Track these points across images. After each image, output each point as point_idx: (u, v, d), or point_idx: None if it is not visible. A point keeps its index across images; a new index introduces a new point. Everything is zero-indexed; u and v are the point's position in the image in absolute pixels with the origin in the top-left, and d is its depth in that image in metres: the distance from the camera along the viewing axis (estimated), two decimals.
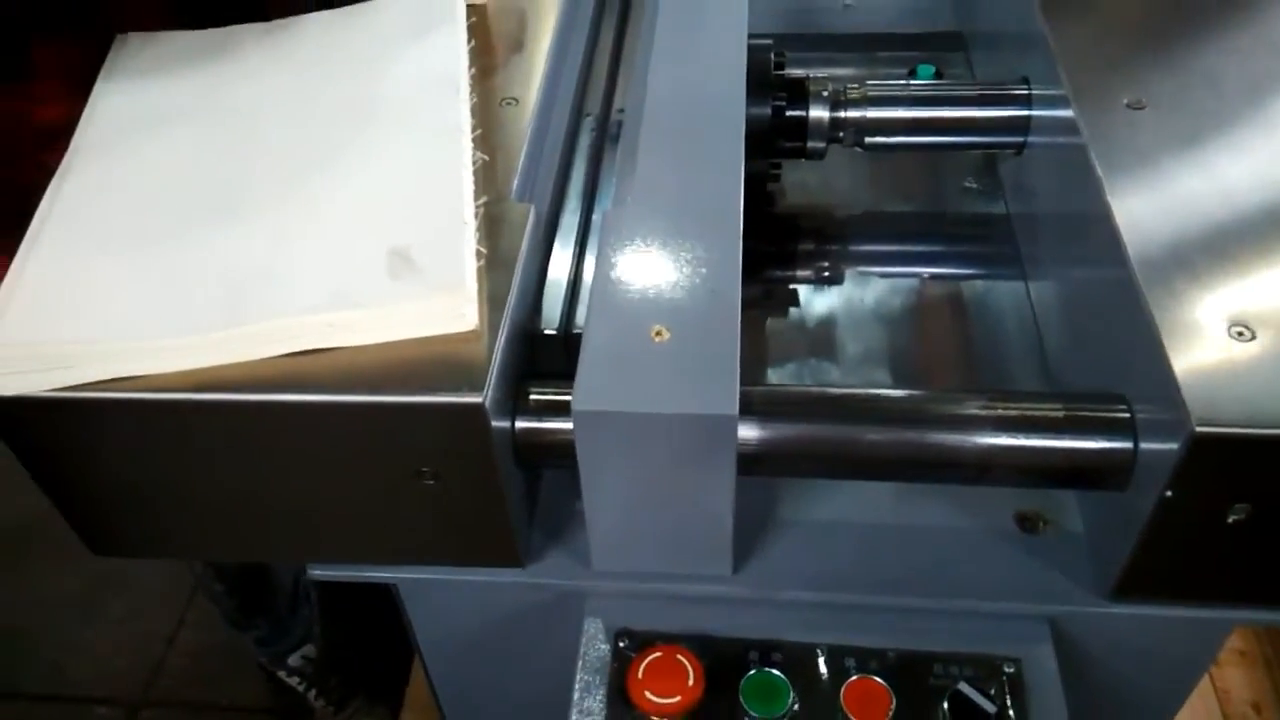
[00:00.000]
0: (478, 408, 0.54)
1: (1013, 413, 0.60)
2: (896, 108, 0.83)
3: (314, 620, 1.51)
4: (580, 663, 0.63)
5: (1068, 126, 0.70)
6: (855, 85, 0.83)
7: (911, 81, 0.92)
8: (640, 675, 0.60)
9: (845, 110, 0.82)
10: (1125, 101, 0.69)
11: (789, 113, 0.82)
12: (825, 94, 0.82)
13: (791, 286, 0.86)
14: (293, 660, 1.50)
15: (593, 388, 0.56)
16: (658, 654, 0.61)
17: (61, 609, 1.66)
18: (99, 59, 0.78)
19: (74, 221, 0.64)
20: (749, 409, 0.56)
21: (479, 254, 0.60)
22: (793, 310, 0.84)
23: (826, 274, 0.87)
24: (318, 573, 0.68)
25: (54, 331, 0.57)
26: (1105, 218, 0.62)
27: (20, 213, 0.72)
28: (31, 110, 0.80)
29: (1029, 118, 0.81)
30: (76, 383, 0.56)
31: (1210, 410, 0.52)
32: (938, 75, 0.99)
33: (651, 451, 0.57)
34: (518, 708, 0.79)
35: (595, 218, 0.77)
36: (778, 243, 0.89)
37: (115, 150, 0.69)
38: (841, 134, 0.83)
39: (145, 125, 0.71)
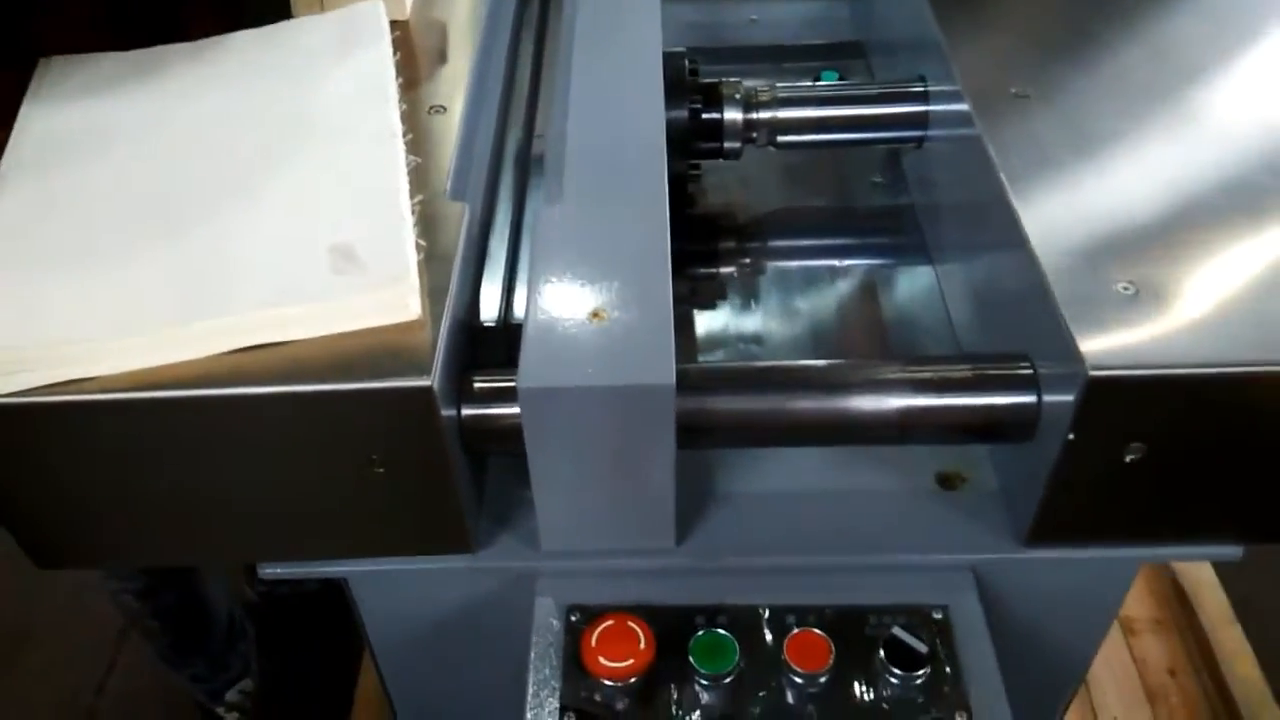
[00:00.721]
0: (426, 390, 0.57)
1: (927, 374, 0.65)
2: (805, 108, 0.88)
3: (250, 653, 1.49)
4: (534, 638, 0.65)
5: (962, 119, 0.76)
6: (766, 88, 0.88)
7: (818, 83, 0.98)
8: (594, 643, 0.62)
9: (758, 111, 0.87)
10: (1013, 91, 0.75)
11: (705, 115, 0.86)
12: (738, 96, 0.87)
13: (715, 281, 0.90)
14: (230, 695, 1.48)
15: (537, 367, 0.59)
16: (609, 622, 0.63)
17: None
18: (19, 83, 0.78)
19: (12, 236, 0.65)
20: (684, 383, 0.59)
21: (419, 247, 0.63)
22: (718, 302, 0.88)
23: (747, 267, 0.91)
24: (269, 570, 0.69)
25: (2, 339, 0.58)
26: (1002, 198, 0.67)
27: None
28: None
29: (927, 113, 0.86)
30: (24, 388, 0.57)
31: (1102, 357, 0.56)
32: (841, 80, 1.05)
33: (595, 426, 0.60)
34: (471, 697, 0.80)
35: (526, 219, 0.80)
36: (700, 240, 0.93)
37: (49, 168, 0.70)
38: (755, 134, 0.88)
39: (78, 144, 0.71)
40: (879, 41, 1.07)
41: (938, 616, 0.65)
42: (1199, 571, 1.55)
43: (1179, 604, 1.54)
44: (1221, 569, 1.54)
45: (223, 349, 0.58)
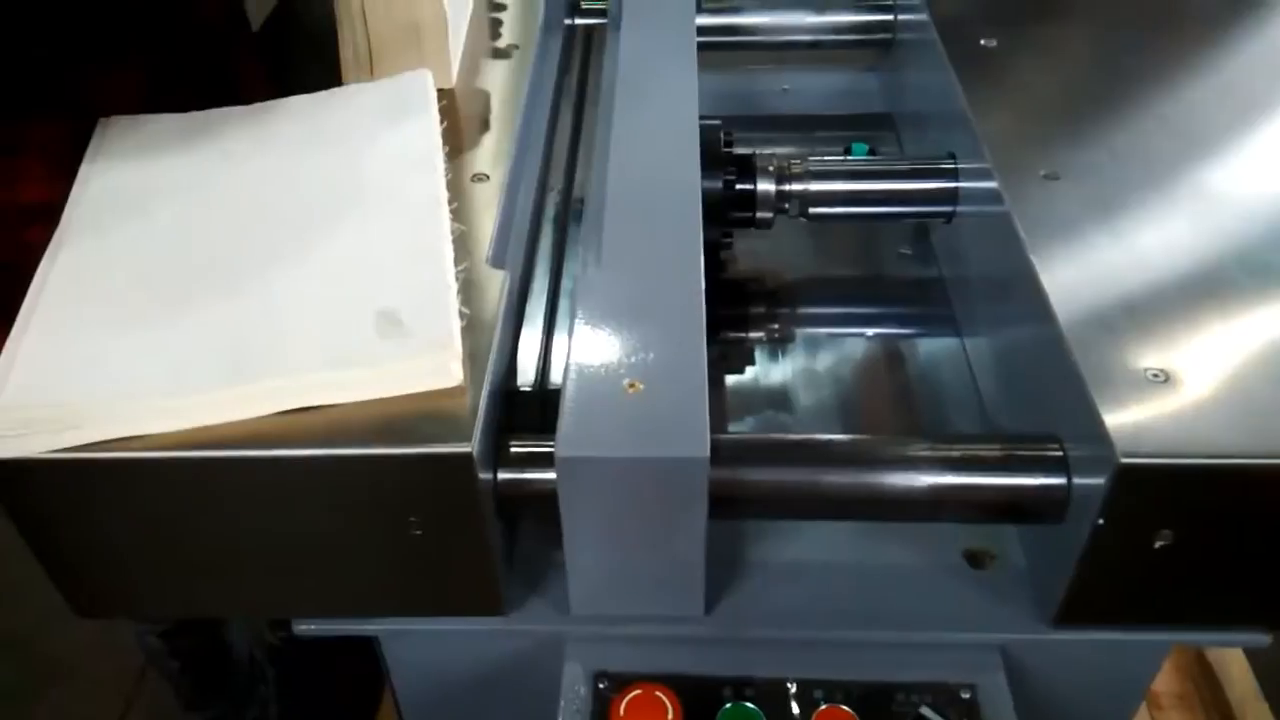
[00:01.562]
0: (466, 457, 0.58)
1: (957, 454, 0.66)
2: (836, 181, 0.90)
3: (270, 697, 1.49)
4: (562, 703, 0.66)
5: (992, 196, 0.77)
6: (798, 160, 0.90)
7: (849, 157, 1.00)
8: (622, 712, 0.63)
9: (790, 183, 0.89)
10: (1042, 173, 0.77)
11: (739, 186, 0.88)
12: (771, 169, 0.89)
13: (746, 346, 0.91)
14: None
15: (574, 436, 0.60)
16: (637, 691, 0.64)
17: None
18: (79, 139, 0.81)
19: (70, 293, 0.67)
20: (718, 455, 0.60)
21: (462, 315, 0.65)
22: (748, 368, 0.89)
23: (777, 334, 0.92)
24: (304, 626, 0.70)
25: (56, 395, 0.60)
26: (1030, 276, 0.68)
27: (2, 286, 0.75)
28: (15, 187, 0.83)
29: (956, 189, 0.88)
30: (78, 444, 0.58)
31: (1133, 444, 0.57)
32: (871, 153, 1.07)
33: (630, 495, 0.61)
34: None
35: (564, 283, 0.82)
36: (732, 305, 0.95)
37: (107, 226, 0.72)
38: (787, 205, 0.90)
39: (135, 203, 0.74)
40: (908, 114, 1.09)
41: (965, 696, 0.66)
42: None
43: (1205, 680, 1.52)
44: None
45: (270, 411, 0.60)
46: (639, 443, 0.60)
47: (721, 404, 0.85)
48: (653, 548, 0.65)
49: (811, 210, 0.90)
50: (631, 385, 0.63)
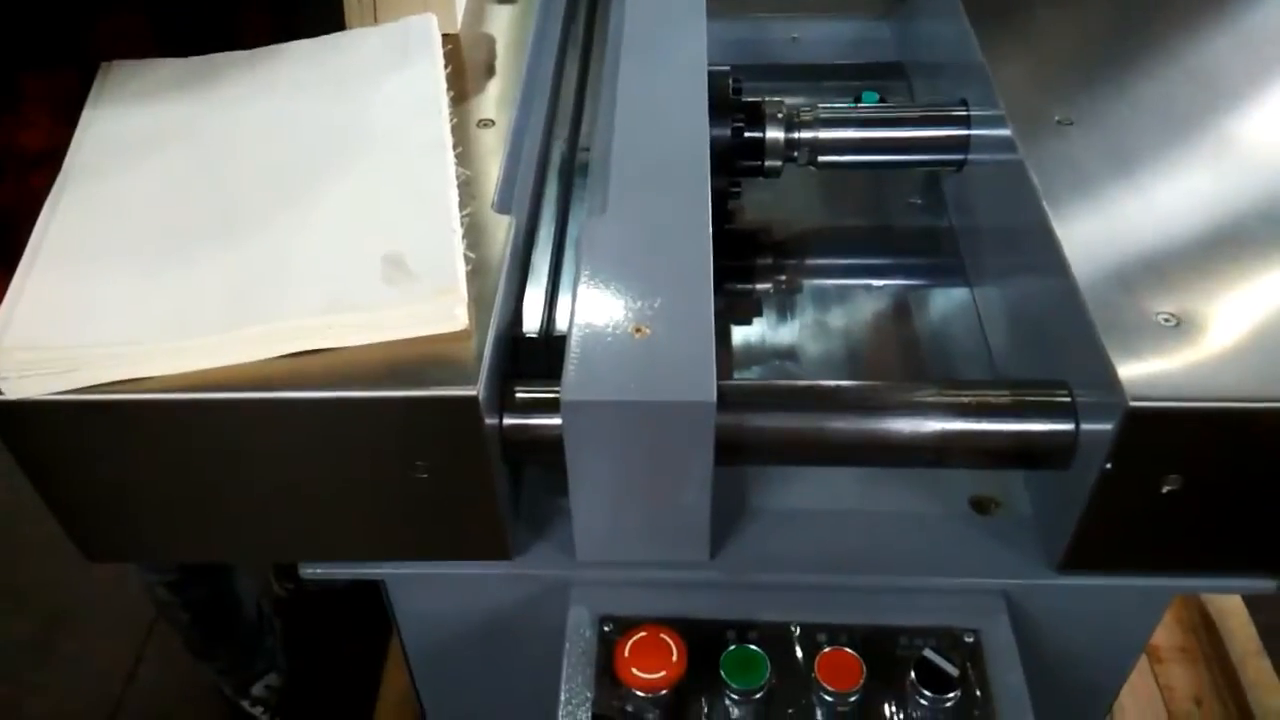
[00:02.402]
0: (472, 400, 0.58)
1: (965, 399, 0.65)
2: (847, 129, 0.89)
3: (277, 648, 1.51)
4: (567, 646, 0.66)
5: (1005, 144, 0.76)
6: (808, 108, 0.88)
7: (860, 105, 0.98)
8: (626, 654, 0.63)
9: (799, 131, 0.88)
10: (1056, 118, 0.76)
11: (747, 134, 0.87)
12: (780, 116, 0.88)
13: (752, 297, 0.91)
14: (256, 690, 1.50)
15: (580, 380, 0.60)
16: (642, 634, 0.64)
17: (15, 652, 1.64)
18: (82, 86, 0.80)
19: (72, 236, 0.67)
20: (724, 400, 0.60)
21: (467, 259, 0.64)
22: (755, 318, 0.89)
23: (785, 285, 0.92)
24: (310, 569, 0.71)
25: (60, 337, 0.59)
26: (1043, 224, 0.68)
27: (6, 231, 0.74)
28: (17, 135, 0.83)
29: (969, 137, 0.87)
30: (83, 385, 0.58)
31: (1143, 388, 0.57)
32: (882, 101, 1.06)
33: (636, 440, 0.61)
34: (502, 703, 0.81)
35: (569, 229, 0.81)
36: (739, 256, 0.94)
37: (108, 171, 0.72)
38: (796, 153, 0.89)
39: (136, 148, 0.73)
40: (920, 63, 1.08)
41: (969, 640, 0.66)
42: (1227, 600, 1.54)
43: (1206, 633, 1.53)
44: (1251, 598, 1.53)
45: (274, 354, 0.60)
46: (645, 387, 0.59)
47: (728, 353, 0.85)
48: (658, 493, 0.65)
49: (821, 159, 0.89)
50: (638, 330, 0.63)
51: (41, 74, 0.83)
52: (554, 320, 0.74)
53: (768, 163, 0.89)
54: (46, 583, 1.66)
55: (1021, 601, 0.69)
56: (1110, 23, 0.87)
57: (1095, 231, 0.67)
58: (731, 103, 0.87)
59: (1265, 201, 0.69)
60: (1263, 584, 0.69)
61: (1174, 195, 0.69)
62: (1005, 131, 0.76)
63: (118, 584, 1.61)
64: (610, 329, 0.63)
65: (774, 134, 0.88)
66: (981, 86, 0.83)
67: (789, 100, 0.90)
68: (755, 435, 0.65)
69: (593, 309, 0.64)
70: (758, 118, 0.88)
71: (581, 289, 0.65)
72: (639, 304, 0.64)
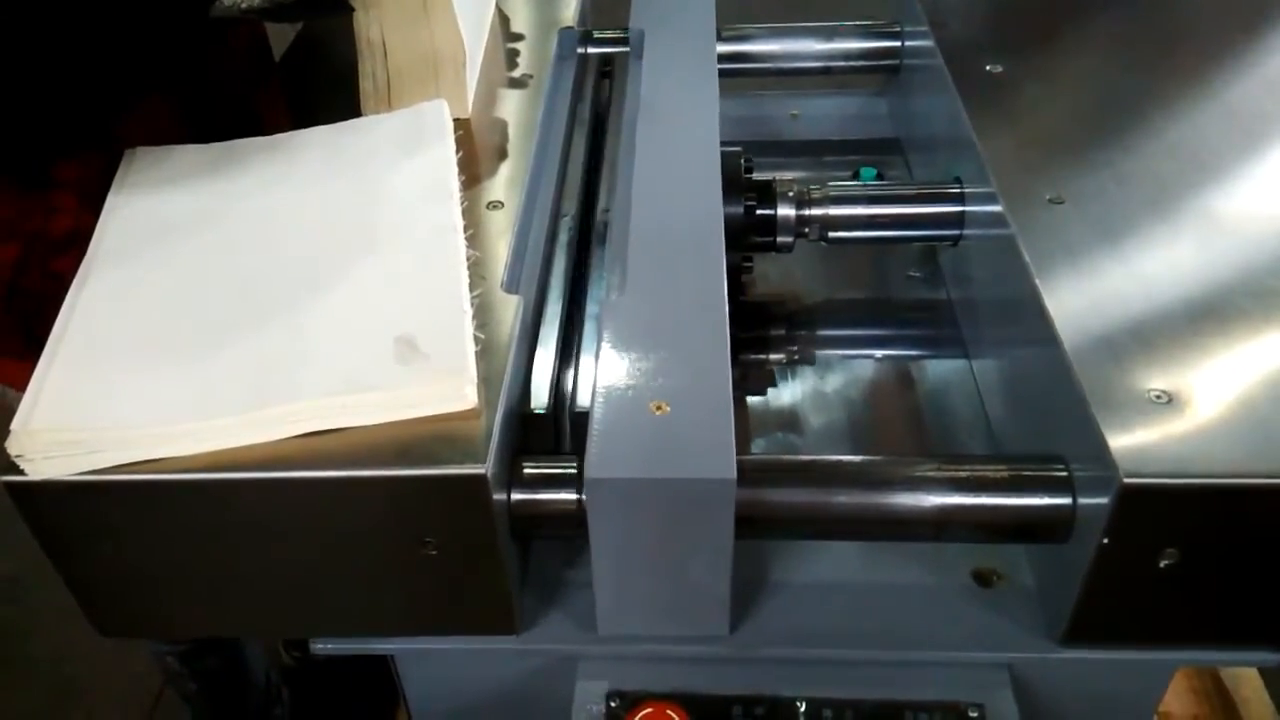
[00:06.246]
0: (480, 478, 0.59)
1: (964, 474, 0.66)
2: (853, 206, 0.91)
3: (285, 717, 1.50)
4: None
5: (997, 220, 0.78)
6: (817, 186, 0.91)
7: (865, 182, 1.01)
8: None
9: (809, 208, 0.91)
10: (1047, 197, 0.78)
11: (759, 211, 0.90)
12: (791, 194, 0.90)
13: (765, 368, 0.93)
14: None
15: (603, 458, 0.61)
16: (648, 709, 0.65)
17: None
18: (106, 172, 0.83)
19: (97, 320, 0.69)
20: (743, 475, 0.61)
21: (476, 339, 0.66)
22: (766, 389, 0.90)
23: (795, 356, 0.94)
24: (321, 645, 0.71)
25: (84, 418, 0.61)
26: (1035, 299, 0.69)
27: (32, 316, 0.77)
28: (45, 221, 0.85)
29: (963, 213, 0.89)
30: (105, 466, 0.60)
31: (1136, 464, 0.58)
32: (879, 177, 1.09)
33: (657, 516, 0.62)
34: None
35: (578, 306, 0.83)
36: (751, 328, 0.96)
37: (132, 256, 0.74)
38: (807, 230, 0.91)
39: (159, 233, 0.76)
40: (915, 139, 1.11)
41: (974, 715, 0.66)
42: (1240, 669, 1.52)
43: (1220, 701, 1.51)
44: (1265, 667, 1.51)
45: (291, 434, 0.62)
46: (667, 464, 0.61)
47: (744, 424, 0.87)
48: (680, 568, 0.65)
49: (831, 234, 0.92)
50: (658, 407, 0.64)
51: (70, 160, 0.86)
52: (561, 395, 0.75)
53: (780, 238, 0.92)
54: (57, 653, 1.66)
55: (1026, 675, 0.69)
56: (1097, 101, 0.90)
57: (1086, 306, 0.68)
58: (744, 182, 0.90)
59: (1252, 276, 0.71)
60: (1265, 656, 0.69)
61: (1162, 271, 0.71)
62: (998, 208, 0.78)
63: (127, 654, 1.61)
64: (631, 406, 0.64)
65: (785, 211, 0.91)
66: (974, 163, 0.85)
67: (790, 175, 0.92)
68: (773, 510, 0.66)
69: (613, 386, 0.66)
70: (769, 196, 0.91)
71: (602, 366, 0.67)
72: (659, 381, 0.66)
